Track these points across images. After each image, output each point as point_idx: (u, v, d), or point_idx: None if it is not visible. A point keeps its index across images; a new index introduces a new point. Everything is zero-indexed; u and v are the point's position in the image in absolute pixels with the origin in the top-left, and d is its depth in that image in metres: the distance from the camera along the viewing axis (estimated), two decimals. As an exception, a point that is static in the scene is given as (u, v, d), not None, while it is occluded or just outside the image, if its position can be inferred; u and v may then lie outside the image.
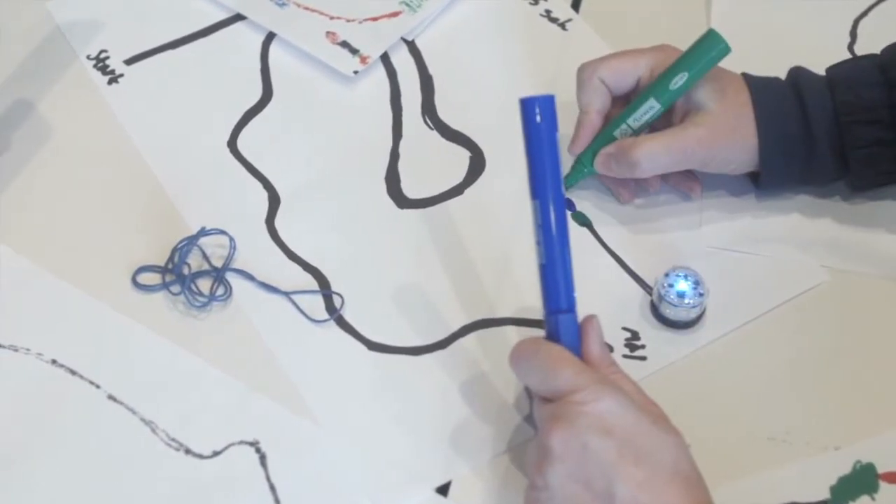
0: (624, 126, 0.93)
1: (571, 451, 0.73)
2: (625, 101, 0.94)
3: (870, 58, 0.93)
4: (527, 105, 0.78)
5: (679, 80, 0.90)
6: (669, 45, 0.93)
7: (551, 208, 0.78)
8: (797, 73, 0.93)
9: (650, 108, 0.92)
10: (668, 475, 0.72)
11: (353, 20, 1.08)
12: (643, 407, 0.75)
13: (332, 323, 0.90)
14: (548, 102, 0.78)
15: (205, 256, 0.92)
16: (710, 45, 0.89)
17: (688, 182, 0.96)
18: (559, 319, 0.79)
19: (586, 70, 0.94)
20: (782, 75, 0.93)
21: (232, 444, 0.84)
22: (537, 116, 0.78)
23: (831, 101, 0.90)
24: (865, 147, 0.90)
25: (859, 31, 1.08)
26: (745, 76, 0.93)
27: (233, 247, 0.92)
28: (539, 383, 0.78)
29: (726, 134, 0.91)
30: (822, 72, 0.93)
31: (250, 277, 0.91)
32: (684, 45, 0.91)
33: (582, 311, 0.89)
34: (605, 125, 0.94)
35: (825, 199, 0.96)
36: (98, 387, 0.86)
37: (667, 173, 0.94)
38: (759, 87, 0.92)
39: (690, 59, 0.90)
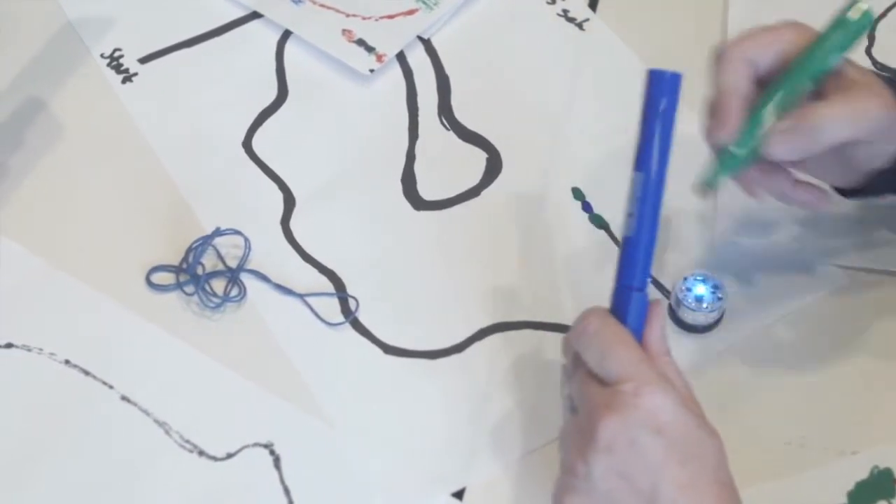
0: (770, 108, 0.82)
1: (619, 444, 0.71)
2: (762, 84, 0.84)
3: None
4: (654, 78, 0.77)
5: (833, 59, 0.82)
6: (799, 23, 0.85)
7: (653, 183, 0.76)
8: None
9: (802, 88, 0.83)
10: (709, 479, 0.71)
11: (369, 18, 1.07)
12: (690, 406, 0.74)
13: (348, 325, 0.89)
14: (675, 79, 0.77)
15: (219, 257, 0.92)
16: (860, 21, 0.83)
17: (815, 193, 0.87)
18: (632, 296, 0.77)
19: (732, 49, 0.84)
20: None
21: (246, 447, 0.83)
22: (662, 91, 0.77)
23: None
24: None
25: (877, 33, 1.07)
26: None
27: (248, 247, 0.92)
28: (596, 361, 0.75)
29: (891, 106, 0.82)
30: None
31: (265, 279, 0.91)
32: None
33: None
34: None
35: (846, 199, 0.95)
36: (111, 387, 0.86)
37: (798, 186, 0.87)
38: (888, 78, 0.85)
39: (839, 35, 0.83)
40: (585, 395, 0.75)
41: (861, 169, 0.85)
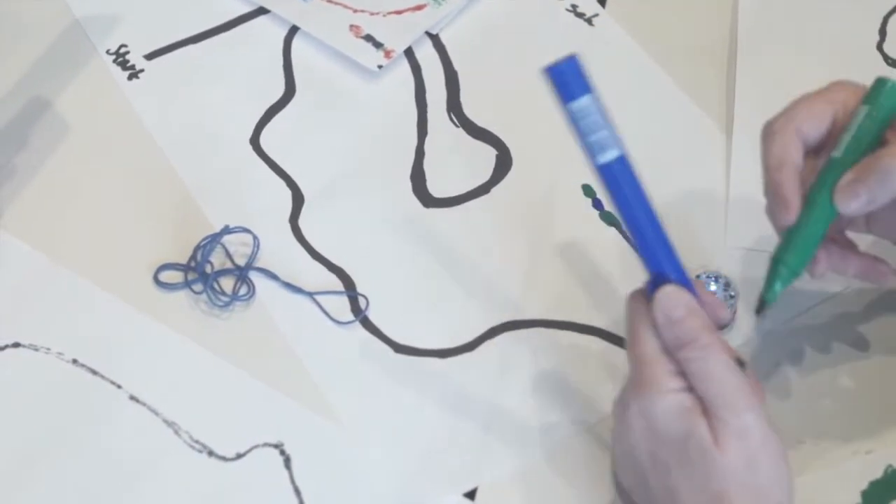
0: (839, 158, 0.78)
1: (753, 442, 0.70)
2: (812, 159, 0.80)
3: None
4: (552, 74, 0.73)
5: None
6: (846, 81, 0.81)
7: (608, 179, 0.73)
8: None
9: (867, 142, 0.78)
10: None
11: (377, 13, 1.07)
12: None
13: (358, 324, 0.89)
14: (572, 65, 0.72)
15: (228, 255, 0.91)
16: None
17: (878, 267, 0.83)
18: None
19: (778, 121, 0.80)
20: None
21: (256, 447, 0.83)
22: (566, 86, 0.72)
23: None
24: None
25: (889, 28, 1.06)
26: None
27: (256, 245, 0.91)
28: (717, 405, 0.71)
29: None
30: None
31: (274, 277, 0.90)
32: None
33: (612, 312, 0.89)
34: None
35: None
36: (119, 387, 0.85)
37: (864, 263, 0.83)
38: None
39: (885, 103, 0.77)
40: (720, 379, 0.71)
41: None
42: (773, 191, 0.79)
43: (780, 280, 0.80)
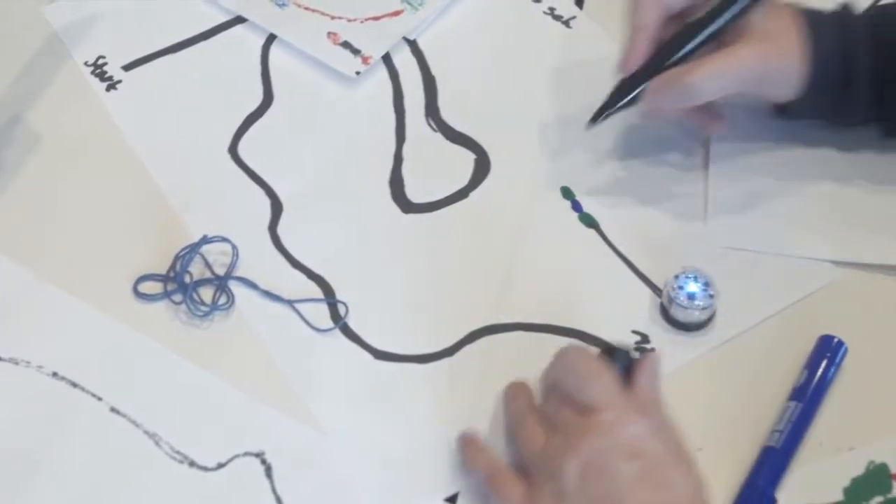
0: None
1: (594, 467, 0.73)
2: (676, 23, 0.92)
3: None
4: (823, 343, 0.86)
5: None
6: None
7: (805, 413, 0.84)
8: (845, 7, 0.93)
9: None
10: None
11: (355, 20, 1.07)
12: (678, 444, 0.75)
13: (337, 331, 0.88)
14: (840, 347, 0.86)
15: (207, 264, 0.91)
16: None
17: (712, 118, 0.95)
18: (765, 497, 0.80)
19: None
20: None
21: (237, 456, 0.83)
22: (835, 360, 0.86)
23: (874, 36, 0.90)
24: None
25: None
26: (794, 4, 0.92)
27: (235, 254, 0.91)
28: (574, 388, 0.77)
29: (780, 54, 0.90)
30: None
31: (253, 286, 0.90)
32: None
33: (591, 314, 0.89)
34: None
35: (840, 191, 0.96)
36: (100, 399, 0.85)
37: (691, 110, 0.93)
38: (809, 14, 0.91)
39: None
40: (560, 420, 0.76)
41: (768, 103, 0.95)
42: (627, 47, 0.92)
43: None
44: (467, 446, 0.81)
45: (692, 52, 0.91)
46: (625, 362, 0.79)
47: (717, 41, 0.91)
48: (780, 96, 0.93)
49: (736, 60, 0.89)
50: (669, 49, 0.91)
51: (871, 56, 0.90)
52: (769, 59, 0.89)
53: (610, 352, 0.80)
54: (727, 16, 0.90)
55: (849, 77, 0.91)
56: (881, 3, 0.94)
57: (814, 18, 0.91)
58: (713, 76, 0.89)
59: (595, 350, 0.81)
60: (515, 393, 0.83)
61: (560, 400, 0.78)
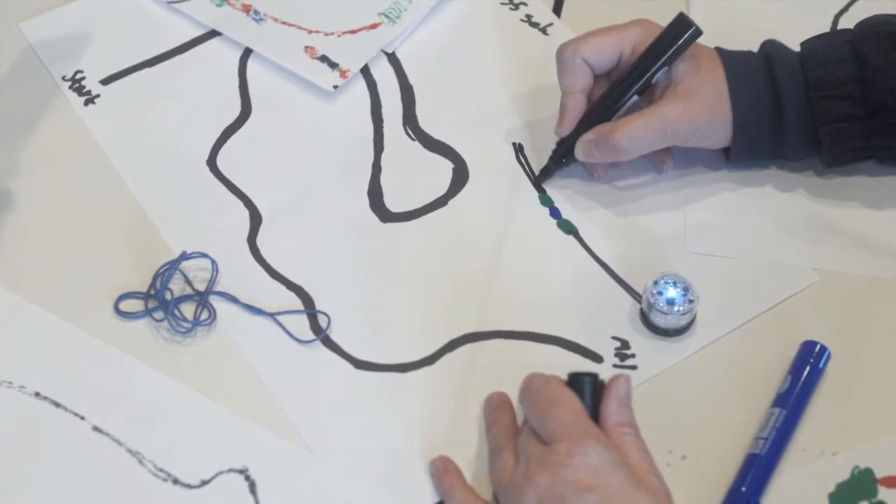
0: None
1: (548, 501, 0.72)
2: (607, 80, 0.95)
3: (842, 33, 0.94)
4: (807, 347, 0.87)
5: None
6: (647, 20, 0.94)
7: (789, 421, 0.84)
8: (769, 47, 0.94)
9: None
10: None
11: (332, 33, 1.06)
12: (636, 472, 0.74)
13: (319, 343, 0.89)
14: (823, 352, 0.86)
15: (187, 281, 0.91)
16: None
17: (661, 156, 0.96)
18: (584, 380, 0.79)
19: (567, 50, 0.94)
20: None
21: (220, 473, 0.83)
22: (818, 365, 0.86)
23: (802, 76, 0.91)
24: (835, 122, 0.91)
25: (840, 26, 1.07)
26: (719, 50, 0.94)
27: (215, 269, 0.91)
28: (536, 419, 0.77)
29: (704, 109, 0.91)
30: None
31: (234, 300, 0.90)
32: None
33: (571, 320, 0.89)
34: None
35: (815, 198, 0.96)
36: (83, 418, 0.85)
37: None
38: (732, 62, 0.92)
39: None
40: (525, 451, 0.76)
41: (705, 148, 0.95)
42: (561, 109, 0.95)
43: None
44: (441, 474, 0.82)
45: (621, 108, 0.93)
46: (591, 388, 0.78)
47: (649, 93, 0.93)
48: (714, 144, 0.94)
49: (659, 119, 0.91)
50: (599, 107, 0.94)
51: (798, 95, 0.91)
52: (693, 117, 0.91)
53: (572, 380, 0.79)
54: (647, 77, 0.92)
55: (780, 117, 0.92)
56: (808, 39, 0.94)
57: (735, 65, 0.92)
58: (638, 135, 0.91)
59: (562, 377, 0.79)
60: (495, 418, 0.82)
61: (531, 428, 0.77)
